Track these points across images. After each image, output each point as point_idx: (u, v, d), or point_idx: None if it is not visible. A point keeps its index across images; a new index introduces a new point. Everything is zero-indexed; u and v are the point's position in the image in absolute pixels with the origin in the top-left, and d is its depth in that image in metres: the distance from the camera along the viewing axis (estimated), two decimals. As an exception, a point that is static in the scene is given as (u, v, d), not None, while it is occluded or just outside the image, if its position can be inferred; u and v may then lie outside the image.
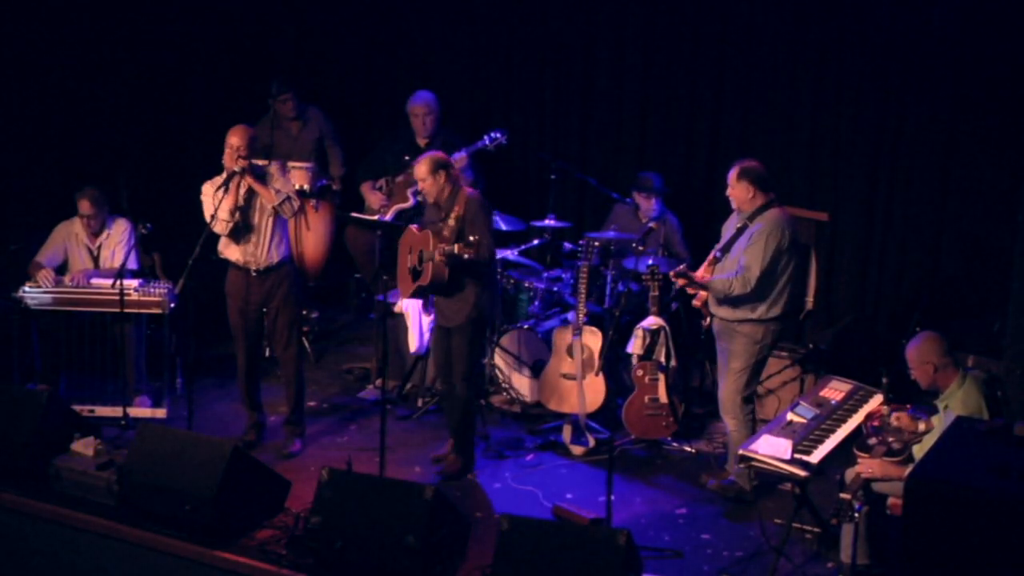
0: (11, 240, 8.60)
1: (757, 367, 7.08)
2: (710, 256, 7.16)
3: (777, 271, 6.91)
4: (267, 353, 8.25)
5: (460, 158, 8.46)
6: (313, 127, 9.43)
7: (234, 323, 7.66)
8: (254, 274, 7.51)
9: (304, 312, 9.16)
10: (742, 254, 6.90)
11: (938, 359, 6.10)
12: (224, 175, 7.42)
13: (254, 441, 7.71)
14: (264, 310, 7.62)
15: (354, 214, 9.03)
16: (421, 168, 7.24)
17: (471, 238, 6.94)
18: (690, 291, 7.18)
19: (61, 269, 8.25)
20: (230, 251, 7.55)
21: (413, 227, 7.44)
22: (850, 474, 6.10)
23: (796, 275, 7.14)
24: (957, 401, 6.03)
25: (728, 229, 7.17)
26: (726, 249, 7.05)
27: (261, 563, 6.11)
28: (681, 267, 7.14)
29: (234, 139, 7.38)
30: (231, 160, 7.37)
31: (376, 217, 8.85)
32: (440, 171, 7.19)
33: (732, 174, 7.00)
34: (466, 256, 6.92)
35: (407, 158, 8.63)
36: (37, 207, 9.04)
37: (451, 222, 7.16)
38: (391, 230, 8.53)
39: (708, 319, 7.18)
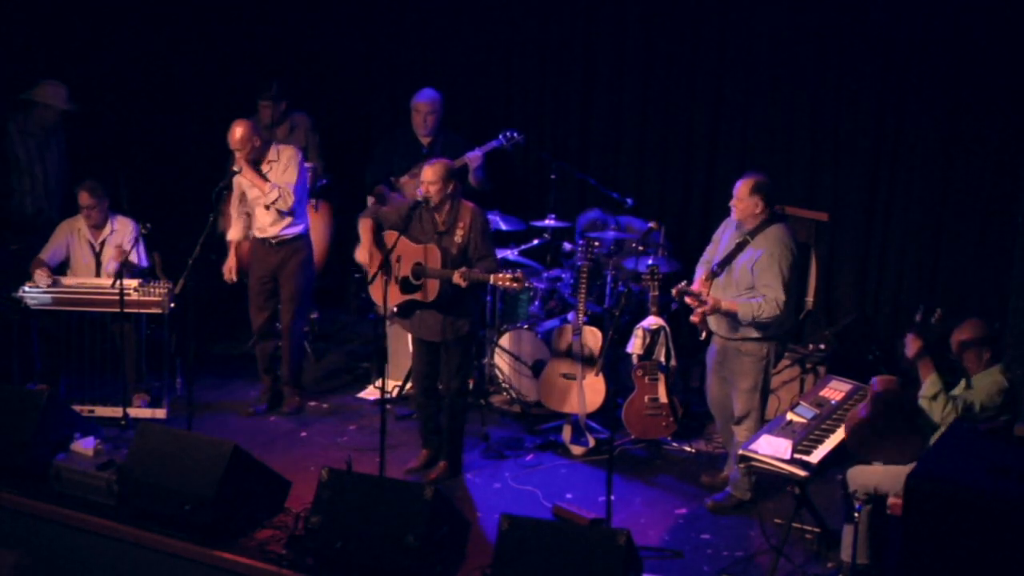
0: (11, 240, 8.61)
1: (766, 383, 7.05)
2: (705, 271, 7.05)
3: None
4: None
5: (475, 156, 8.46)
6: (299, 135, 9.35)
7: (251, 288, 8.16)
8: (270, 244, 8.01)
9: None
10: (754, 279, 6.81)
11: (987, 349, 6.19)
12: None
13: (263, 409, 8.15)
14: (278, 281, 8.08)
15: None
16: (433, 171, 7.10)
17: (518, 272, 6.95)
18: (695, 306, 7.01)
19: (63, 266, 8.26)
20: (252, 227, 8.12)
21: (401, 237, 7.04)
22: (853, 474, 6.14)
23: (796, 277, 7.11)
24: (992, 378, 6.08)
25: (721, 240, 7.09)
26: (724, 264, 6.96)
27: (261, 563, 6.11)
28: (682, 284, 7.03)
29: (233, 135, 7.84)
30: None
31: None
32: (452, 180, 7.13)
33: (744, 187, 6.86)
34: (503, 286, 6.94)
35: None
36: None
37: (457, 239, 7.10)
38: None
39: (704, 334, 7.14)
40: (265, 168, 7.93)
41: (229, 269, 8.17)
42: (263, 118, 9.20)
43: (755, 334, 6.89)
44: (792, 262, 6.83)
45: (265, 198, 7.88)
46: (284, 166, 7.92)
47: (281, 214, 7.93)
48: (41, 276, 8.01)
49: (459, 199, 7.19)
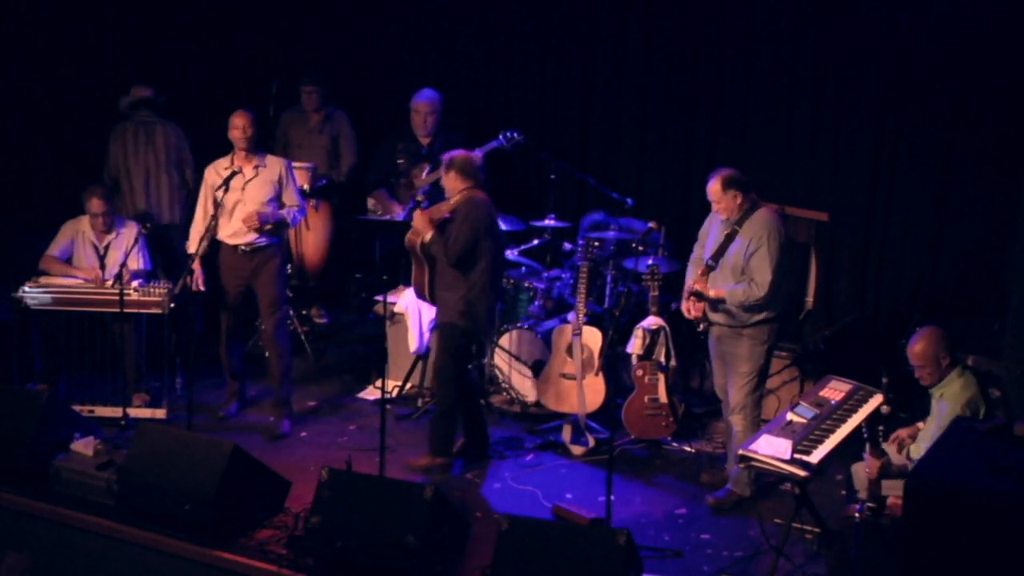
0: (11, 240, 8.60)
1: (765, 367, 7.06)
2: (697, 269, 7.06)
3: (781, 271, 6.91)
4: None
5: (475, 157, 8.45)
6: (335, 127, 9.43)
7: (227, 294, 7.93)
8: (241, 252, 7.80)
9: (315, 312, 9.49)
10: (746, 264, 6.85)
11: (945, 355, 6.12)
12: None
13: (234, 412, 8.04)
14: (252, 288, 7.90)
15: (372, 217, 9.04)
16: (445, 165, 7.35)
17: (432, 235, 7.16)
18: (695, 305, 7.03)
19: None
20: (221, 232, 7.83)
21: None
22: (858, 469, 6.13)
23: (796, 275, 7.11)
24: (956, 387, 6.05)
25: (709, 234, 7.11)
26: (716, 257, 6.97)
27: (261, 563, 6.12)
28: (688, 292, 7.04)
29: (234, 120, 7.77)
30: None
31: (388, 217, 8.82)
32: (465, 172, 7.35)
33: (716, 187, 6.88)
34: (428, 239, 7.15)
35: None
36: (37, 207, 9.04)
37: (446, 212, 7.26)
38: (394, 229, 8.48)
39: (703, 325, 7.13)
40: (251, 172, 7.77)
41: (198, 281, 7.79)
42: (307, 104, 9.30)
43: (756, 317, 6.90)
44: (781, 243, 6.85)
45: (291, 226, 7.97)
46: (281, 184, 7.82)
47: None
48: (90, 272, 8.03)
49: (470, 192, 7.32)
